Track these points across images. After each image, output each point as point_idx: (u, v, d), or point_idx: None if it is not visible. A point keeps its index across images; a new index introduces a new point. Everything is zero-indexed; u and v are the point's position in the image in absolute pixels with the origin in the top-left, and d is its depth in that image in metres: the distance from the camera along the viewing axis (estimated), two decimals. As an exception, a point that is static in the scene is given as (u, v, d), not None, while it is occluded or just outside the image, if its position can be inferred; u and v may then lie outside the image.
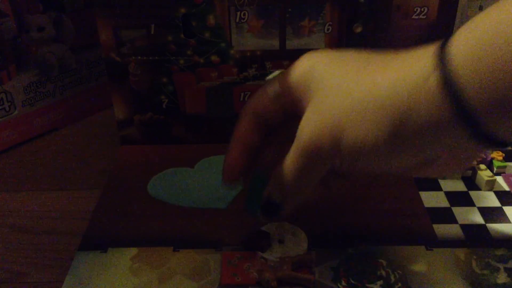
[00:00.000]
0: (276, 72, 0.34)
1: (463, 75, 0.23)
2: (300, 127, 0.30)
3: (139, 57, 0.49)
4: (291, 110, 0.32)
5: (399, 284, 0.35)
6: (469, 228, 0.41)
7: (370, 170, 0.30)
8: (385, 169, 0.29)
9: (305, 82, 0.30)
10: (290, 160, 0.30)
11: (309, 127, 0.29)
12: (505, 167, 0.47)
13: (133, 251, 0.39)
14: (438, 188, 0.46)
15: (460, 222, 0.42)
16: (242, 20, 0.48)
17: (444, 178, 0.47)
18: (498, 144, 0.25)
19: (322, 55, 0.31)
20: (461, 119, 0.24)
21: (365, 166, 0.29)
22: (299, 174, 0.30)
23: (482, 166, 0.47)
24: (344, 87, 0.27)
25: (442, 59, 0.24)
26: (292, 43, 0.49)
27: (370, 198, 0.44)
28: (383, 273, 0.36)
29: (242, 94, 0.52)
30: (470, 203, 0.44)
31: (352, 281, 0.36)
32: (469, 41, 0.23)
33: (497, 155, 0.48)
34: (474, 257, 0.38)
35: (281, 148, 0.32)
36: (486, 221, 0.42)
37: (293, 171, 0.30)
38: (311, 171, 0.30)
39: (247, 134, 0.34)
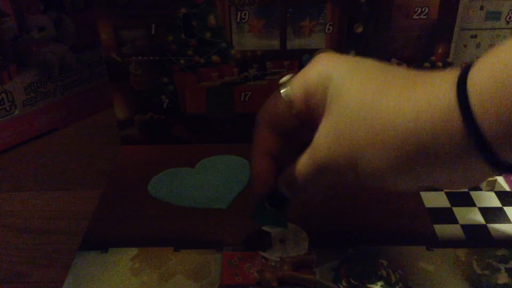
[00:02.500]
0: (288, 76, 0.33)
1: (482, 112, 0.23)
2: (316, 139, 0.30)
3: (140, 57, 0.49)
4: (305, 117, 0.32)
5: (400, 284, 0.35)
6: (469, 228, 0.41)
7: (380, 187, 0.30)
8: (396, 188, 0.29)
9: (322, 91, 0.30)
10: (303, 167, 0.31)
11: (326, 145, 0.29)
12: (505, 167, 0.47)
13: (134, 251, 0.39)
14: (438, 188, 0.46)
15: (460, 222, 0.42)
16: (242, 20, 0.48)
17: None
18: (509, 169, 0.25)
19: (338, 62, 0.30)
20: (479, 150, 0.24)
21: (376, 185, 0.29)
22: (309, 179, 0.32)
23: (483, 167, 0.46)
24: (364, 112, 0.27)
25: (463, 92, 0.24)
26: (293, 43, 0.49)
27: (370, 198, 0.44)
28: (384, 273, 0.36)
29: (243, 94, 0.52)
30: (470, 203, 0.44)
31: (353, 282, 0.36)
32: (490, 74, 0.23)
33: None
34: (475, 257, 0.38)
35: (295, 150, 0.33)
36: (487, 221, 0.42)
37: (304, 176, 0.32)
38: (321, 180, 0.31)
39: (266, 143, 0.34)
